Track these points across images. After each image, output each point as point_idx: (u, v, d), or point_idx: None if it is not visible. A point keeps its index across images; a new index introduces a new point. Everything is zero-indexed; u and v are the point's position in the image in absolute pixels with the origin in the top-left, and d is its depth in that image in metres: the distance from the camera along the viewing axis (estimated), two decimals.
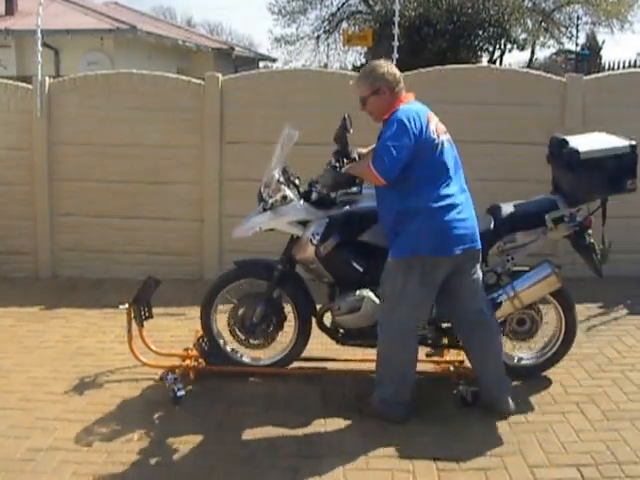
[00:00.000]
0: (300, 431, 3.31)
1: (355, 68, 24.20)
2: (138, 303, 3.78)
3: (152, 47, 15.74)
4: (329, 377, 3.89)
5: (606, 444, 3.14)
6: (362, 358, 3.93)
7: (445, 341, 3.72)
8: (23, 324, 4.83)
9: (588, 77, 5.90)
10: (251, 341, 3.83)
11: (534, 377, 3.78)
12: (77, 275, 5.93)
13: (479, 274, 3.40)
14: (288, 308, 3.84)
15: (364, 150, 3.62)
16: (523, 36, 24.09)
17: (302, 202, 3.59)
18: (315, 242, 3.51)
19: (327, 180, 3.48)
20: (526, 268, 3.64)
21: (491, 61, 23.11)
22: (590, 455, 3.05)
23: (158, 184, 5.83)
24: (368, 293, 3.51)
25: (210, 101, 5.71)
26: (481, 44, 22.41)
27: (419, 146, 3.18)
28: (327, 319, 3.74)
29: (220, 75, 5.84)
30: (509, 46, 24.05)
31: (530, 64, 26.01)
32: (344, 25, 25.19)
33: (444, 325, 3.66)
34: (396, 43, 5.89)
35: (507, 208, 3.58)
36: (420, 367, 3.71)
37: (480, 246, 3.32)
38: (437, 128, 3.27)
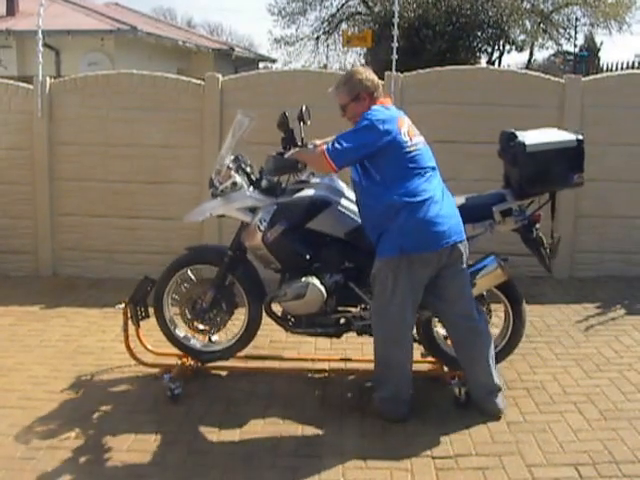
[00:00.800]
0: (299, 430, 3.32)
1: None
2: (134, 303, 3.80)
3: (152, 48, 15.74)
4: (328, 376, 3.90)
5: (604, 443, 3.16)
6: (362, 358, 3.95)
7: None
8: (23, 323, 4.84)
9: (586, 78, 5.91)
10: (201, 327, 3.85)
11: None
12: (77, 274, 5.95)
13: (466, 273, 3.42)
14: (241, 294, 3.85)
15: (318, 142, 3.63)
16: (522, 37, 24.13)
17: (251, 189, 3.62)
18: (262, 228, 3.53)
19: (269, 165, 3.54)
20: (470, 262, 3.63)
21: (490, 62, 23.12)
22: (588, 454, 3.07)
23: (158, 184, 5.85)
24: (313, 280, 3.51)
25: (210, 101, 5.73)
26: (480, 45, 22.42)
27: (390, 147, 3.22)
28: (279, 307, 3.73)
29: (220, 76, 5.86)
30: (508, 47, 24.07)
31: (529, 65, 26.04)
32: (344, 26, 25.17)
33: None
34: (395, 44, 5.89)
35: (457, 200, 3.57)
36: (415, 367, 3.73)
37: (464, 238, 3.33)
38: (409, 131, 3.31)
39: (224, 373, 3.93)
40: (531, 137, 3.52)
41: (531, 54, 26.90)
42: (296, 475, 2.94)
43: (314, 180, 3.65)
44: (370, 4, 24.15)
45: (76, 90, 5.87)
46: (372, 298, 3.45)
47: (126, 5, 22.22)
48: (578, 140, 3.52)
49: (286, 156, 3.50)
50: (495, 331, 3.88)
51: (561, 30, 25.79)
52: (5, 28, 13.91)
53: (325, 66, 25.12)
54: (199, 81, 5.85)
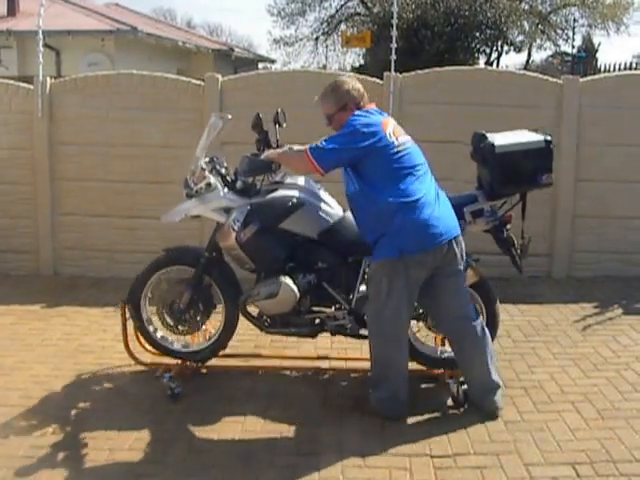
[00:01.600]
0: (299, 429, 3.34)
1: (354, 69, 24.24)
2: (132, 303, 3.83)
3: (152, 48, 15.74)
4: (328, 375, 3.92)
5: (601, 442, 3.17)
6: (361, 357, 3.96)
7: (364, 332, 3.69)
8: (24, 322, 4.86)
9: (584, 79, 5.94)
10: (179, 327, 3.87)
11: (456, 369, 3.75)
12: (78, 273, 5.96)
13: (461, 274, 3.43)
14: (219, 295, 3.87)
15: (296, 147, 3.58)
16: (520, 38, 24.17)
17: (226, 190, 3.63)
18: (236, 228, 3.55)
19: (243, 166, 3.56)
20: None
21: (488, 63, 23.14)
22: (585, 453, 3.08)
23: (158, 184, 5.86)
24: (285, 279, 3.53)
25: (210, 102, 5.74)
26: (478, 46, 22.43)
27: (376, 149, 3.22)
28: (255, 308, 3.74)
29: (220, 76, 5.88)
30: (506, 48, 24.09)
31: (527, 66, 26.08)
32: (343, 27, 25.20)
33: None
34: (394, 45, 5.90)
35: None
36: (414, 367, 3.76)
37: (459, 233, 3.36)
38: (394, 132, 3.30)
39: (224, 372, 3.94)
40: (500, 138, 3.56)
41: (529, 55, 26.98)
42: (295, 473, 2.96)
43: (288, 181, 3.67)
44: (369, 5, 24.16)
45: (76, 90, 5.89)
46: (368, 300, 3.46)
47: (126, 6, 22.26)
48: (546, 141, 3.54)
49: (262, 157, 3.51)
50: None
51: (559, 31, 25.84)
52: (6, 28, 13.92)
53: (324, 67, 25.12)
54: (199, 81, 5.87)
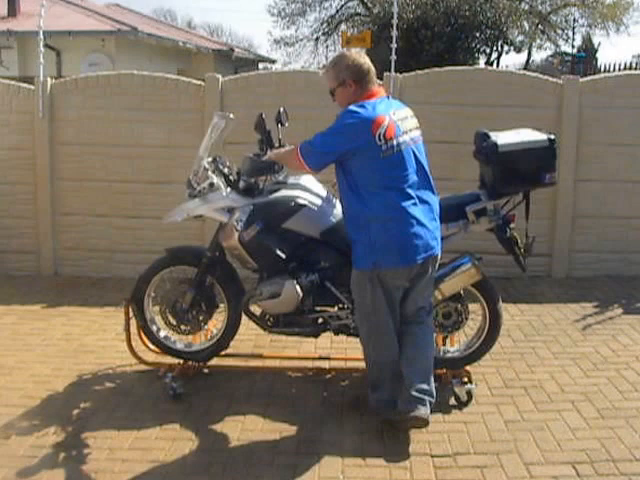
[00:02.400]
0: (299, 428, 3.34)
1: None
2: (135, 302, 3.84)
3: (153, 48, 15.75)
4: (328, 375, 3.93)
5: (601, 442, 3.18)
6: (361, 356, 3.97)
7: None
8: (25, 322, 4.87)
9: (584, 79, 5.94)
10: (182, 327, 3.88)
11: (458, 368, 3.79)
12: (79, 273, 5.98)
13: (432, 279, 3.39)
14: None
15: None
16: (520, 38, 24.16)
17: (229, 190, 3.63)
18: (239, 228, 3.55)
19: (246, 167, 3.58)
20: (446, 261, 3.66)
21: (488, 63, 23.13)
22: (585, 453, 3.09)
23: (159, 184, 5.87)
24: (288, 279, 3.54)
25: (210, 102, 5.75)
26: (478, 46, 22.41)
27: (360, 153, 3.08)
28: (258, 308, 3.74)
29: (220, 76, 5.89)
30: (506, 48, 24.07)
31: (527, 66, 26.07)
32: (343, 27, 25.22)
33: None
34: (394, 45, 5.90)
35: None
36: None
37: (438, 252, 3.28)
38: (387, 132, 3.07)
39: (225, 372, 3.95)
40: (503, 137, 3.55)
41: (529, 55, 26.98)
42: (295, 473, 2.96)
43: (291, 181, 3.67)
44: (369, 5, 24.16)
45: (77, 91, 5.90)
46: (354, 306, 3.43)
47: (127, 6, 22.27)
48: (550, 140, 3.53)
49: (264, 158, 3.52)
50: (470, 332, 3.94)
51: (559, 31, 25.88)
52: (7, 29, 13.92)
53: (324, 67, 25.11)
54: (199, 82, 5.88)
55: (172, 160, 5.82)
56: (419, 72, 5.91)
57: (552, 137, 3.54)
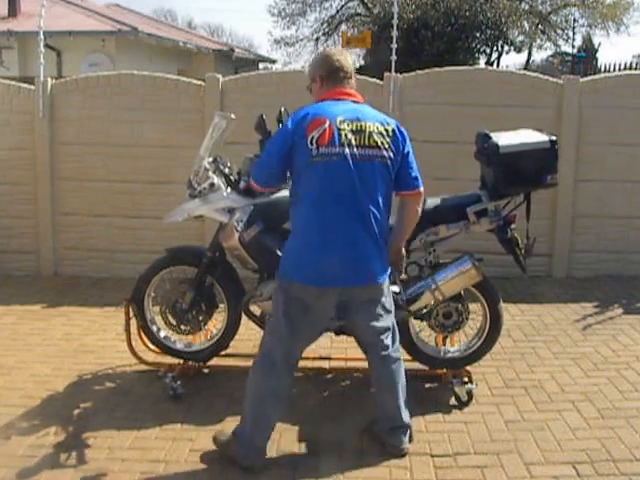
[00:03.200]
0: (299, 428, 3.34)
1: (354, 70, 24.19)
2: (136, 302, 3.84)
3: (153, 49, 15.75)
4: (329, 375, 3.93)
5: (601, 442, 3.18)
6: (361, 356, 3.96)
7: None
8: (25, 322, 4.87)
9: (584, 79, 5.94)
10: (182, 327, 3.88)
11: (458, 368, 3.78)
12: (79, 273, 5.98)
13: (379, 313, 3.02)
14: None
15: None
16: (520, 38, 24.15)
17: (229, 190, 3.63)
18: (239, 229, 3.55)
19: (245, 167, 3.58)
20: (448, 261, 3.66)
21: (488, 63, 23.12)
22: (585, 453, 3.09)
23: (159, 184, 5.87)
24: None
25: (210, 102, 5.76)
26: (478, 46, 22.40)
27: (295, 154, 2.81)
28: (258, 308, 3.74)
29: (220, 76, 5.90)
30: (506, 48, 24.05)
31: (527, 66, 26.08)
32: (343, 27, 25.25)
33: None
34: (395, 45, 5.91)
35: (432, 201, 3.57)
36: (416, 366, 3.77)
37: (366, 283, 2.91)
38: (321, 137, 2.75)
39: (225, 372, 3.95)
40: (505, 138, 3.54)
41: (529, 55, 26.98)
42: (296, 473, 2.96)
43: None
44: (369, 5, 24.18)
45: (77, 91, 5.90)
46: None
47: (127, 6, 22.27)
48: (551, 141, 3.52)
49: None
50: (470, 332, 3.94)
51: (559, 31, 25.88)
52: (7, 29, 13.93)
53: None
54: (199, 82, 5.88)
55: (172, 160, 5.82)
56: (419, 72, 5.91)
57: (553, 138, 3.54)
